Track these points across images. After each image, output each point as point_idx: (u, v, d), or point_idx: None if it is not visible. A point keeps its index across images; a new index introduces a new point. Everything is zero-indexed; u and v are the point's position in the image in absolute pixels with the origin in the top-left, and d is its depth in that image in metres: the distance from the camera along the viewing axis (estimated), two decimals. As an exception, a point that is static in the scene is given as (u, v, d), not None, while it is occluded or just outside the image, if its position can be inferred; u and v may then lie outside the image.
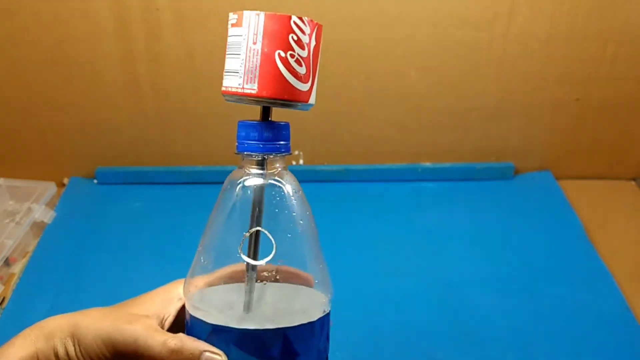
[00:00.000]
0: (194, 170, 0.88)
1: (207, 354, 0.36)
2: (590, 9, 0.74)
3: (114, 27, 0.75)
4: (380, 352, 0.63)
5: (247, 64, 0.35)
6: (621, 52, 0.77)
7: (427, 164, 0.89)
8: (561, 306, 0.67)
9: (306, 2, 0.74)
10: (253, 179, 0.38)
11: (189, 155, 0.87)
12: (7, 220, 0.78)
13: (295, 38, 0.35)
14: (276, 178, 0.38)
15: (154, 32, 0.76)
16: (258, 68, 0.35)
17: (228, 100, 0.37)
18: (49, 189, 0.82)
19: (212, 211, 0.40)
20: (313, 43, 0.36)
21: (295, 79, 0.35)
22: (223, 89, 0.36)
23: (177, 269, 0.73)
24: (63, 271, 0.73)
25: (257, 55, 0.35)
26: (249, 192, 0.38)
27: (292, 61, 0.35)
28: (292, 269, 0.39)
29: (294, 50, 0.35)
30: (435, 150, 0.88)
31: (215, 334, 0.37)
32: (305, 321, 0.38)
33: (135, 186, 0.88)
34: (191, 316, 0.38)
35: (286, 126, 0.38)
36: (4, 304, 0.68)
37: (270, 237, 0.37)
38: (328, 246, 0.80)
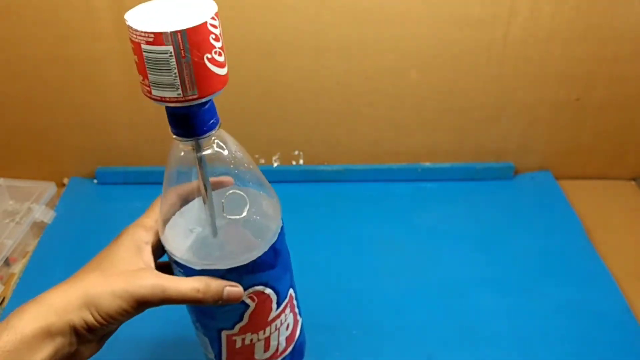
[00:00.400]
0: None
1: (228, 287, 0.42)
2: (590, 8, 0.74)
3: (114, 27, 0.75)
4: (380, 353, 0.63)
5: (181, 76, 0.36)
6: (622, 52, 0.77)
7: (427, 164, 0.89)
8: (561, 306, 0.68)
9: (304, 1, 0.74)
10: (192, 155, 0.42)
11: (189, 155, 0.87)
12: (7, 220, 0.78)
13: (214, 36, 0.37)
14: (212, 148, 0.43)
15: (154, 32, 0.76)
16: (194, 76, 0.36)
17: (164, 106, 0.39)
18: (49, 189, 0.82)
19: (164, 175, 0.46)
20: (220, 28, 0.38)
21: (221, 69, 0.38)
22: (158, 98, 0.37)
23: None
24: (63, 271, 0.72)
25: (189, 66, 0.36)
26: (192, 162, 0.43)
27: (216, 57, 0.37)
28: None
29: (215, 47, 0.37)
30: (435, 150, 0.88)
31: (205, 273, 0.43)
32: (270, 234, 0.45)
33: (135, 186, 0.88)
34: (175, 262, 0.45)
35: (209, 108, 0.40)
36: (4, 304, 0.68)
37: (242, 193, 0.45)
38: (328, 247, 0.80)
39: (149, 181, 0.88)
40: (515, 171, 0.89)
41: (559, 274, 0.72)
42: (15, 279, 0.72)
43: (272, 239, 0.45)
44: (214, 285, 0.42)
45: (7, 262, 0.73)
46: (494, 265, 0.74)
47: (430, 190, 0.87)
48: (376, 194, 0.86)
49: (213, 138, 0.42)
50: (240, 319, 0.47)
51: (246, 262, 0.43)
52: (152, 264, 0.44)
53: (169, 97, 0.37)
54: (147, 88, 0.37)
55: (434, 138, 0.87)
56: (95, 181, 0.89)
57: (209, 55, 0.37)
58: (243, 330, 0.48)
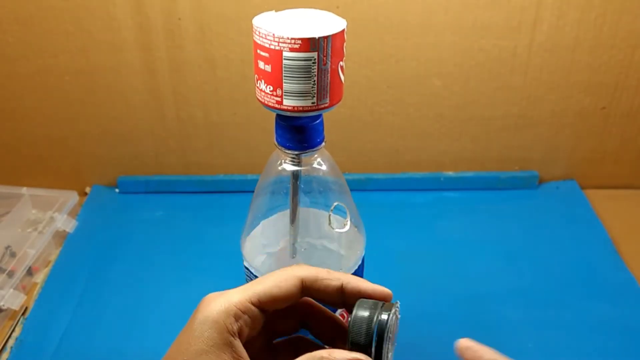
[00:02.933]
0: (215, 179, 0.88)
1: None
2: (617, 15, 0.72)
3: (136, 37, 0.75)
4: (403, 366, 0.62)
5: (319, 85, 0.36)
6: (649, 60, 0.76)
7: (450, 173, 0.88)
8: (589, 319, 0.66)
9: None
10: (290, 167, 0.42)
11: (210, 164, 0.87)
12: (29, 230, 0.78)
13: (345, 44, 0.36)
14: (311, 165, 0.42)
15: (176, 41, 0.76)
16: (329, 85, 0.36)
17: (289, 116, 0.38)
18: (71, 197, 0.83)
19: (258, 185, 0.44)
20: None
21: (343, 77, 0.38)
22: (289, 107, 0.36)
23: (199, 278, 0.74)
24: (85, 280, 0.73)
25: (327, 74, 0.36)
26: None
27: (344, 65, 0.37)
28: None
29: (344, 55, 0.37)
30: (457, 159, 0.87)
31: None
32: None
33: (156, 195, 0.88)
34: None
35: (318, 125, 0.40)
36: (27, 314, 0.68)
37: (346, 207, 0.44)
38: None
39: (170, 190, 0.88)
40: (539, 180, 0.88)
41: (586, 286, 0.70)
42: (37, 289, 0.72)
43: (352, 268, 0.44)
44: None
45: (30, 272, 0.73)
46: (518, 276, 0.72)
47: (453, 199, 0.86)
48: (398, 203, 0.86)
49: (315, 155, 0.41)
50: None
51: None
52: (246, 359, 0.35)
53: (303, 106, 0.36)
54: (278, 98, 0.36)
55: (456, 147, 0.86)
56: (117, 190, 0.89)
57: (342, 63, 0.36)
58: None
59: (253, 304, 0.35)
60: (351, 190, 0.48)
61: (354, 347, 0.34)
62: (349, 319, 0.35)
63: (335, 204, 0.44)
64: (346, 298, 0.37)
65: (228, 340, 0.34)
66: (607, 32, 0.74)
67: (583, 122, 0.82)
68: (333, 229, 0.44)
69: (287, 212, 0.44)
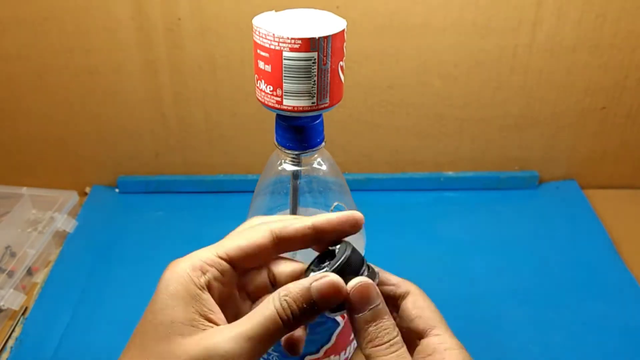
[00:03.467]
0: (215, 179, 0.88)
1: (314, 282, 0.33)
2: (617, 15, 0.72)
3: (136, 37, 0.75)
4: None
5: (319, 84, 0.36)
6: (649, 60, 0.76)
7: (450, 173, 0.88)
8: (588, 319, 0.66)
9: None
10: (290, 167, 0.42)
11: (211, 163, 0.87)
12: (29, 230, 0.79)
13: (345, 44, 0.36)
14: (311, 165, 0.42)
15: (176, 41, 0.76)
16: (329, 85, 0.36)
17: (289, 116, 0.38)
18: (71, 197, 0.83)
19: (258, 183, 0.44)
20: None
21: (343, 77, 0.37)
22: (289, 107, 0.37)
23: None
24: (85, 280, 0.73)
25: (327, 74, 0.35)
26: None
27: (343, 65, 0.37)
28: None
29: (344, 55, 0.37)
30: (457, 159, 0.87)
31: None
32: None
33: (156, 195, 0.88)
34: None
35: (318, 125, 0.40)
36: (27, 314, 0.68)
37: (346, 207, 0.43)
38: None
39: (170, 190, 0.88)
40: (539, 180, 0.88)
41: (586, 286, 0.70)
42: (37, 289, 0.72)
43: None
44: (294, 291, 0.33)
45: (30, 272, 0.73)
46: (518, 276, 0.72)
47: (453, 199, 0.86)
48: (398, 203, 0.86)
49: (315, 155, 0.41)
50: (328, 340, 0.45)
51: None
52: (219, 314, 0.34)
53: (303, 106, 0.36)
54: (278, 98, 0.36)
55: (456, 147, 0.86)
56: (116, 190, 0.89)
57: (342, 63, 0.36)
58: (327, 353, 0.46)
59: (221, 257, 0.35)
60: (351, 190, 0.48)
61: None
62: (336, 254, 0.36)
63: (335, 204, 0.44)
64: (318, 234, 0.36)
65: (195, 293, 0.33)
66: (607, 32, 0.74)
67: (583, 122, 0.82)
68: None
69: (287, 212, 0.43)
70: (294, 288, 0.33)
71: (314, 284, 0.33)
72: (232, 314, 0.36)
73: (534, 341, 0.64)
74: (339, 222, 0.36)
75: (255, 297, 0.39)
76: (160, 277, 0.35)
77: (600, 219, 0.80)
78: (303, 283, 0.33)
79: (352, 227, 0.37)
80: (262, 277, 0.39)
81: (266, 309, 0.32)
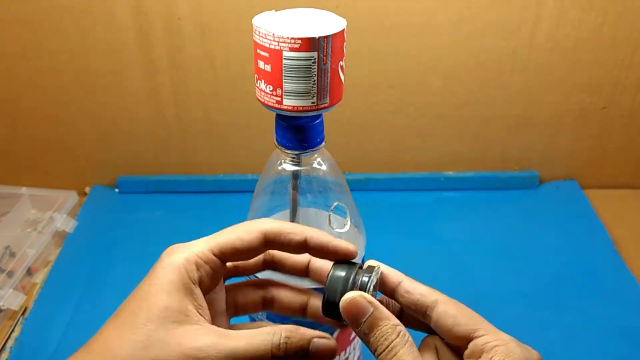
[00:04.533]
0: (215, 179, 0.88)
1: (317, 339, 0.35)
2: (617, 15, 0.72)
3: (136, 37, 0.75)
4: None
5: (319, 84, 0.36)
6: (649, 59, 0.76)
7: (450, 173, 0.88)
8: (589, 320, 0.66)
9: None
10: (290, 167, 0.42)
11: (211, 163, 0.87)
12: (29, 230, 0.78)
13: (345, 44, 0.36)
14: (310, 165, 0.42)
15: (176, 41, 0.76)
16: (329, 85, 0.36)
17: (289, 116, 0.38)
18: (71, 197, 0.83)
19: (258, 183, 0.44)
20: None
21: (343, 77, 0.37)
22: (289, 107, 0.36)
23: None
24: (84, 280, 0.73)
25: (327, 74, 0.35)
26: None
27: (343, 65, 0.37)
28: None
29: (344, 55, 0.37)
30: (457, 159, 0.87)
31: None
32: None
33: (156, 195, 0.88)
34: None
35: (318, 125, 0.40)
36: (26, 314, 0.68)
37: (346, 207, 0.43)
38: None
39: (170, 190, 0.88)
40: (539, 180, 0.88)
41: (586, 286, 0.70)
42: (37, 289, 0.72)
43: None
44: (296, 337, 0.34)
45: (29, 272, 0.73)
46: (518, 277, 0.72)
47: (453, 199, 0.86)
48: (398, 203, 0.86)
49: (315, 155, 0.41)
50: None
51: None
52: (206, 310, 0.35)
53: (302, 106, 0.36)
54: (278, 98, 0.36)
55: (456, 146, 0.86)
56: (116, 190, 0.89)
57: (342, 63, 0.36)
58: None
59: (214, 254, 0.36)
60: (351, 190, 0.48)
61: (329, 305, 0.35)
62: (326, 278, 0.35)
63: (335, 204, 0.43)
64: (310, 252, 0.37)
65: (190, 287, 0.34)
66: (607, 32, 0.74)
67: (583, 122, 0.82)
68: (333, 229, 0.44)
69: (287, 212, 0.43)
70: (296, 335, 0.34)
71: (315, 340, 0.34)
72: (211, 310, 0.37)
73: (533, 340, 0.63)
74: (333, 251, 0.37)
75: (243, 310, 0.41)
76: (157, 260, 0.36)
77: (601, 219, 0.80)
78: (305, 334, 0.34)
79: (343, 257, 0.37)
80: (257, 295, 0.40)
81: (265, 340, 0.33)
